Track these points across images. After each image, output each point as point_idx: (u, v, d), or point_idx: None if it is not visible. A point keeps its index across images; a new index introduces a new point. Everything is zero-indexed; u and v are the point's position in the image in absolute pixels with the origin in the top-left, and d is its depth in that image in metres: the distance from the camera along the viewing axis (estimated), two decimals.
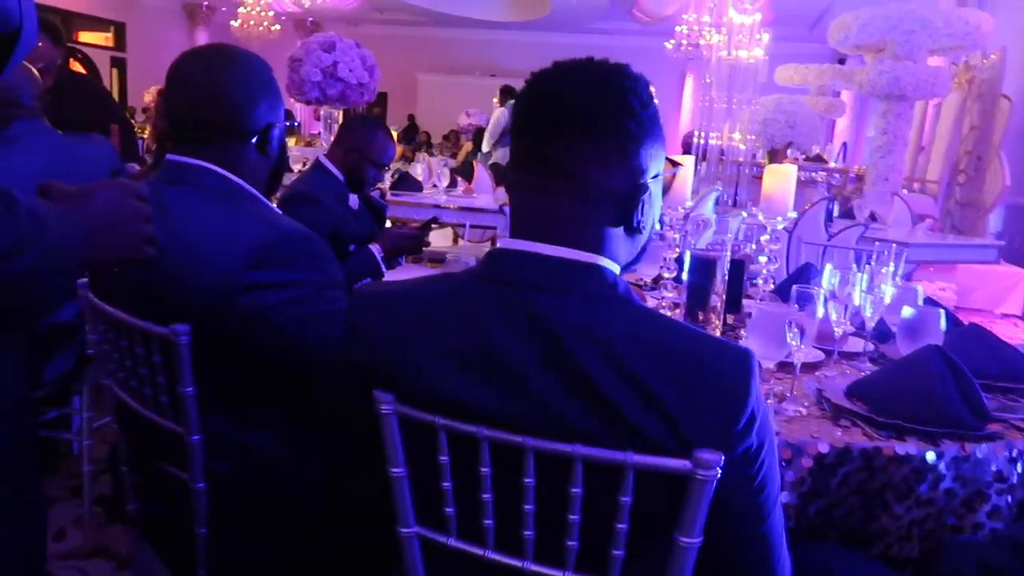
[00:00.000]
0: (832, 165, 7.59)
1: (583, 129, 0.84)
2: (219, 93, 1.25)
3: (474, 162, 6.97)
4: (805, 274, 2.05)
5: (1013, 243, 5.96)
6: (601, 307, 0.82)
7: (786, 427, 1.24)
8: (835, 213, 4.73)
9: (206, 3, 14.28)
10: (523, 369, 0.80)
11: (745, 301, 1.90)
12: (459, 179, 5.52)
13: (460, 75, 15.10)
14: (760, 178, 2.13)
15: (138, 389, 1.26)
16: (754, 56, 6.45)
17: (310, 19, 14.69)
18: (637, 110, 0.84)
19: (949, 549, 1.21)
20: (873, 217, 4.85)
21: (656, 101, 0.88)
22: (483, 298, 0.84)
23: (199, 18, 14.55)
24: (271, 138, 1.31)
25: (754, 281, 1.91)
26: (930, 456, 1.19)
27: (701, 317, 1.63)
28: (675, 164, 1.84)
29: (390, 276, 2.40)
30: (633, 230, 0.88)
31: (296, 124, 7.02)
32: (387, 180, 4.63)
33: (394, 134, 2.89)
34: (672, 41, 11.28)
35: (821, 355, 1.64)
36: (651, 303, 1.85)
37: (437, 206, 4.38)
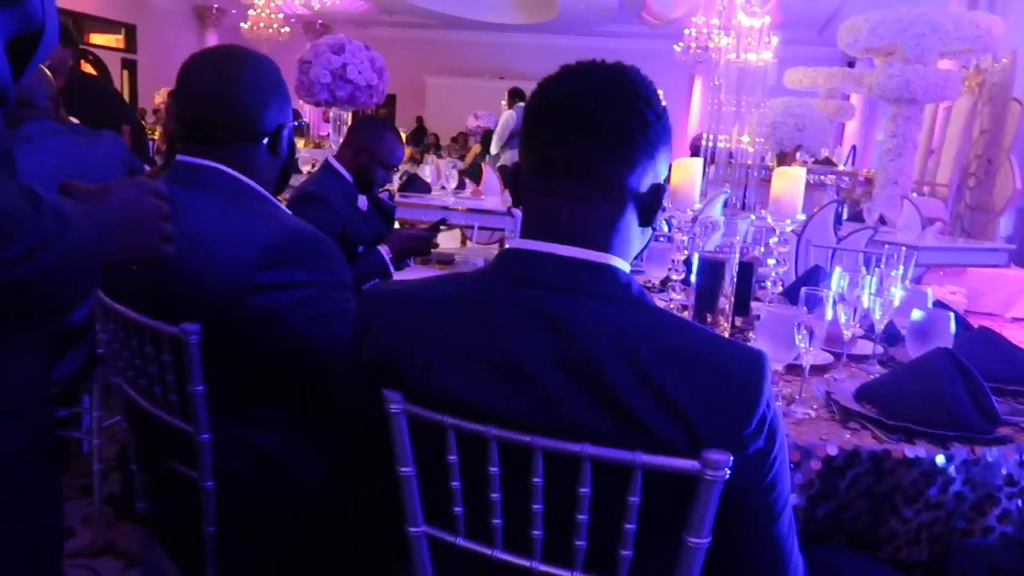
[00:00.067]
0: (841, 168, 7.56)
1: (598, 131, 0.85)
2: (230, 94, 1.26)
3: (482, 164, 6.97)
4: (814, 277, 2.05)
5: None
6: (615, 308, 0.82)
7: (795, 429, 1.24)
8: (844, 216, 4.71)
9: (216, 5, 14.34)
10: (535, 369, 0.80)
11: (753, 304, 1.90)
12: (467, 181, 5.53)
13: (468, 77, 15.11)
14: (769, 181, 2.12)
15: (148, 388, 1.27)
16: (763, 59, 6.43)
17: (319, 21, 14.74)
18: (655, 110, 0.86)
19: (958, 553, 1.20)
20: (882, 220, 4.83)
21: (664, 103, 0.90)
22: (494, 298, 0.84)
23: (209, 20, 14.62)
24: (281, 139, 1.32)
25: (763, 284, 1.90)
26: (940, 459, 1.18)
27: (709, 319, 1.63)
28: None
29: (398, 277, 2.41)
30: (648, 227, 0.92)
31: (304, 124, 7.04)
32: (395, 182, 4.64)
33: (402, 136, 2.90)
34: (681, 44, 11.26)
35: (830, 358, 1.63)
36: (659, 305, 1.85)
37: (445, 208, 4.39)
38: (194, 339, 1.15)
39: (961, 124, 6.52)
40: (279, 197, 1.42)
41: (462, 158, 9.44)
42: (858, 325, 1.56)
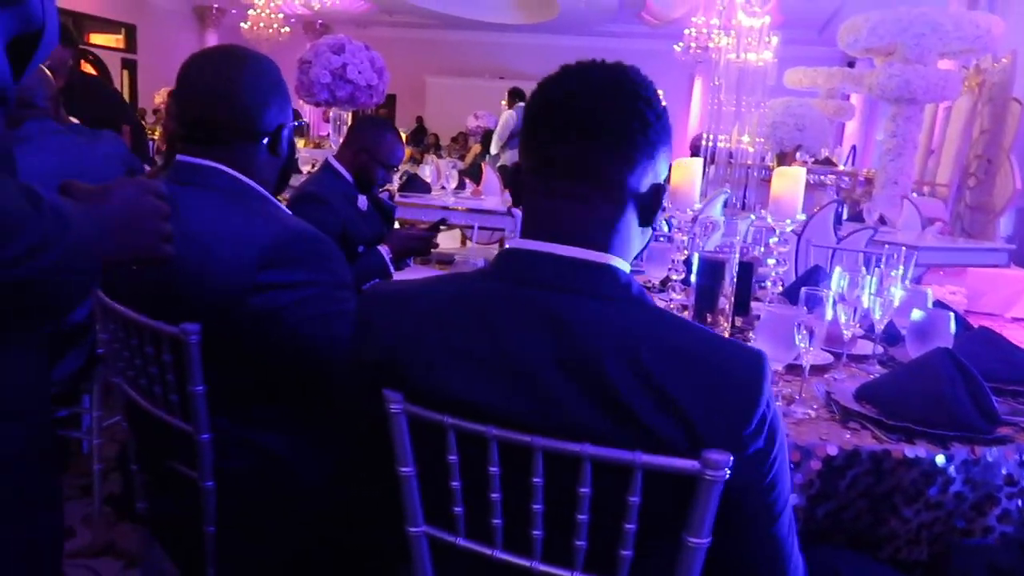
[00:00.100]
0: (841, 168, 7.56)
1: (598, 131, 0.85)
2: (230, 94, 1.26)
3: (482, 164, 6.98)
4: (814, 277, 2.05)
5: None
6: (616, 308, 0.82)
7: (795, 429, 1.24)
8: (844, 216, 4.71)
9: (216, 5, 14.34)
10: (535, 369, 0.80)
11: (753, 304, 1.90)
12: (467, 181, 5.53)
13: (468, 77, 15.11)
14: (769, 181, 2.12)
15: (148, 388, 1.27)
16: (763, 59, 6.43)
17: (319, 21, 14.74)
18: (655, 110, 0.87)
19: (959, 553, 1.20)
20: (882, 220, 4.82)
21: (663, 103, 0.90)
22: (494, 298, 0.85)
23: (209, 20, 14.62)
24: (281, 139, 1.33)
25: (763, 284, 1.90)
26: (940, 459, 1.18)
27: (709, 319, 1.63)
28: None
29: (398, 277, 2.41)
30: (648, 227, 0.92)
31: (304, 124, 7.04)
32: (395, 182, 4.64)
33: (402, 136, 2.90)
34: (681, 44, 11.26)
35: (830, 358, 1.63)
36: (658, 305, 1.85)
37: (445, 208, 4.39)
38: (194, 339, 1.15)
39: (961, 124, 6.52)
40: (279, 197, 1.42)
41: (462, 158, 9.44)
42: (858, 325, 1.57)
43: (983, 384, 1.28)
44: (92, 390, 2.28)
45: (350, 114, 4.65)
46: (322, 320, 1.24)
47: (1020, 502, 1.23)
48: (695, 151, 6.41)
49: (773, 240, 1.78)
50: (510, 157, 7.49)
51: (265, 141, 1.31)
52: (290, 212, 1.37)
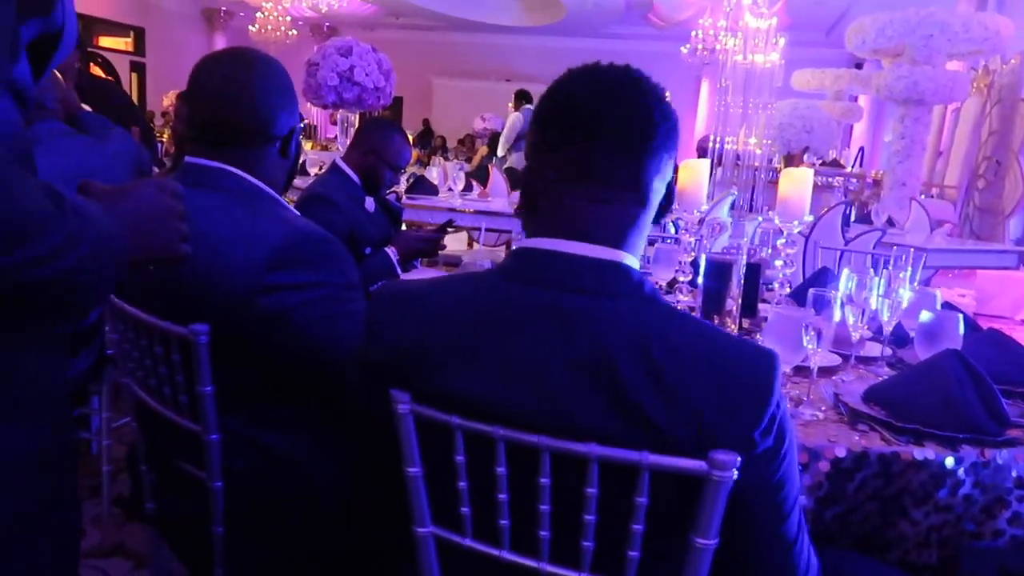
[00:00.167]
0: (849, 170, 7.54)
1: (605, 132, 0.86)
2: (241, 97, 1.26)
3: (489, 166, 6.99)
4: (822, 278, 2.04)
5: None
6: (628, 307, 0.82)
7: (803, 431, 1.24)
8: (852, 218, 4.70)
9: (224, 8, 14.41)
10: (545, 369, 0.80)
11: (761, 305, 1.90)
12: (474, 183, 5.54)
13: (475, 79, 15.14)
14: (776, 183, 2.12)
15: (157, 388, 1.27)
16: (770, 60, 6.42)
17: (327, 24, 14.80)
18: (662, 111, 0.87)
19: (968, 555, 1.20)
20: (891, 222, 4.81)
21: (671, 105, 0.90)
22: (504, 297, 0.85)
23: (217, 23, 14.70)
24: (291, 141, 1.34)
25: (770, 285, 1.90)
26: (949, 461, 1.18)
27: (716, 321, 1.63)
28: None
29: (405, 279, 2.41)
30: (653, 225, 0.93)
31: (306, 124, 7.07)
32: (403, 184, 4.65)
33: (409, 138, 2.90)
34: (688, 46, 11.26)
35: (838, 359, 1.63)
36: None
37: (452, 210, 4.40)
38: (203, 340, 1.16)
39: (970, 126, 6.50)
40: (285, 198, 1.43)
41: (469, 160, 9.46)
42: (866, 327, 1.56)
43: (992, 386, 1.27)
44: (102, 391, 2.29)
45: (357, 116, 4.67)
46: (331, 321, 1.24)
47: None
48: (702, 153, 6.41)
49: (780, 242, 1.78)
50: (517, 159, 7.49)
51: (275, 143, 1.32)
52: (298, 213, 1.37)
